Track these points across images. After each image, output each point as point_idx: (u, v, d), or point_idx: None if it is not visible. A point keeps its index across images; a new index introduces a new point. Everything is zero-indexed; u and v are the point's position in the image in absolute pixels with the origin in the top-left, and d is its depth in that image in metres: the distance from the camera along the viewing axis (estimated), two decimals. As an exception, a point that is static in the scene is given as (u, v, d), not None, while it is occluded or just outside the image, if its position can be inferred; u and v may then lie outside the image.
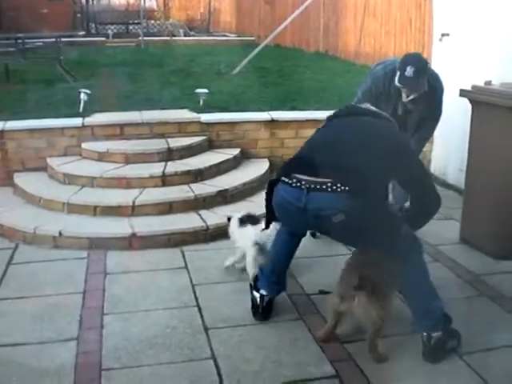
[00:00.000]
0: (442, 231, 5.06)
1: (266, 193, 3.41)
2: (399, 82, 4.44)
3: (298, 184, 3.11)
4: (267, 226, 3.67)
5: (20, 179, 5.69)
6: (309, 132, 6.10)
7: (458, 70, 5.98)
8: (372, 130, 3.37)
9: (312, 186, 3.07)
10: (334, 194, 3.03)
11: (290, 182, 3.15)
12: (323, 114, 6.27)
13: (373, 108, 3.64)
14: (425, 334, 3.26)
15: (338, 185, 3.02)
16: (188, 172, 5.52)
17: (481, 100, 4.60)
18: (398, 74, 4.45)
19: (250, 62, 10.39)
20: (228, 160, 5.92)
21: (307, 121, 6.21)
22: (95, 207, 5.07)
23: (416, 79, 4.40)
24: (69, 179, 5.51)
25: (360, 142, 3.25)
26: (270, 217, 3.52)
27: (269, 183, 3.38)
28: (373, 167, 3.12)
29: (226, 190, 5.41)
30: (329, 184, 3.03)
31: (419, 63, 4.47)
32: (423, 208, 3.50)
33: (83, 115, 6.23)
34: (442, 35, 6.30)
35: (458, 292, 4.04)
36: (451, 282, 4.20)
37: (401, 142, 3.46)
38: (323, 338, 3.44)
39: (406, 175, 3.36)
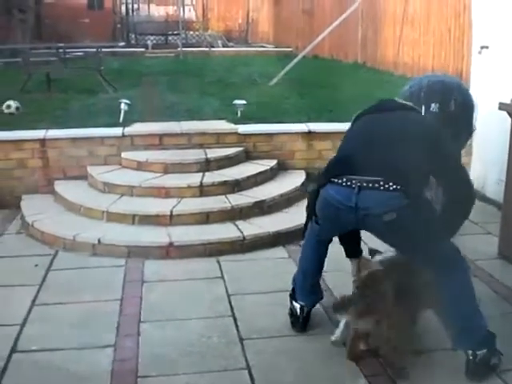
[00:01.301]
0: (479, 246, 5.00)
1: (311, 198, 3.43)
2: None
3: (349, 183, 3.10)
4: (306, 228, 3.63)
5: (60, 187, 5.81)
6: (346, 144, 6.19)
7: (497, 83, 5.92)
8: (406, 124, 3.37)
9: (364, 184, 3.06)
10: (386, 192, 3.03)
11: (340, 181, 3.14)
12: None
13: (400, 101, 3.67)
14: (470, 351, 3.18)
15: (390, 183, 3.03)
16: (225, 182, 5.56)
17: (520, 113, 4.56)
18: (424, 109, 4.45)
19: (287, 73, 10.43)
20: (265, 171, 5.95)
21: (344, 132, 6.20)
22: (134, 216, 5.14)
23: (442, 114, 4.41)
24: (108, 188, 5.60)
25: (400, 137, 3.25)
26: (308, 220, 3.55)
27: (317, 187, 3.34)
28: (417, 163, 3.14)
29: (262, 201, 5.43)
30: (381, 182, 3.04)
31: (444, 96, 4.45)
32: (458, 203, 3.36)
33: (123, 125, 6.34)
34: (482, 48, 6.23)
35: (494, 308, 3.97)
36: (488, 297, 4.13)
37: (433, 130, 3.41)
38: (351, 357, 3.37)
39: (442, 163, 3.28)
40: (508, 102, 4.75)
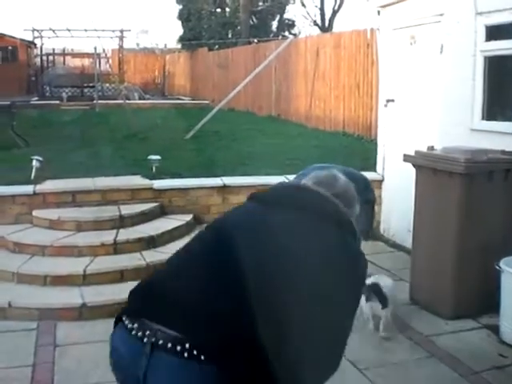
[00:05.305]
0: (392, 293, 5.14)
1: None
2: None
3: (140, 333, 1.79)
4: None
5: (-32, 249, 5.59)
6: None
7: (402, 135, 6.20)
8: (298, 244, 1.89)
9: (160, 341, 1.74)
10: (186, 362, 1.70)
11: (131, 325, 1.84)
12: (274, 179, 6.45)
13: (323, 193, 2.11)
14: None
15: (195, 350, 1.70)
16: (140, 239, 5.50)
17: (423, 165, 4.75)
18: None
19: (204, 126, 10.56)
20: (181, 226, 5.93)
21: (258, 186, 6.33)
22: (45, 277, 4.99)
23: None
24: (19, 248, 5.43)
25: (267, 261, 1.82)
26: None
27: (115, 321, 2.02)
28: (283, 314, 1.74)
29: (178, 257, 5.39)
30: (187, 344, 1.70)
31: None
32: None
33: (35, 182, 6.20)
34: (387, 101, 6.53)
35: (407, 354, 4.09)
36: (402, 344, 4.24)
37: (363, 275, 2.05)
38: None
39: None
40: (412, 153, 4.95)
